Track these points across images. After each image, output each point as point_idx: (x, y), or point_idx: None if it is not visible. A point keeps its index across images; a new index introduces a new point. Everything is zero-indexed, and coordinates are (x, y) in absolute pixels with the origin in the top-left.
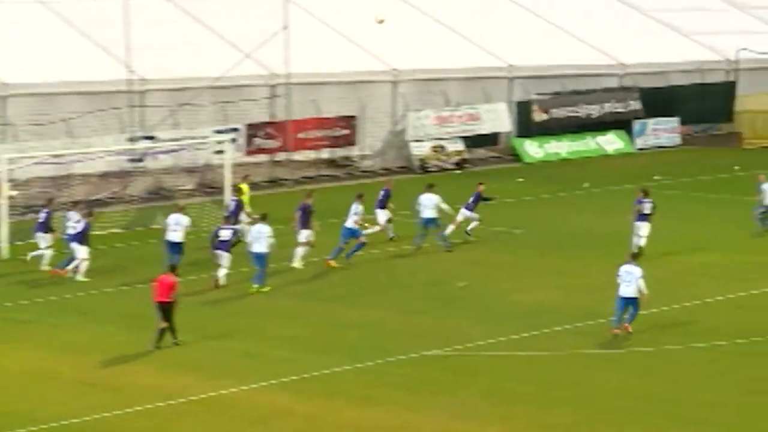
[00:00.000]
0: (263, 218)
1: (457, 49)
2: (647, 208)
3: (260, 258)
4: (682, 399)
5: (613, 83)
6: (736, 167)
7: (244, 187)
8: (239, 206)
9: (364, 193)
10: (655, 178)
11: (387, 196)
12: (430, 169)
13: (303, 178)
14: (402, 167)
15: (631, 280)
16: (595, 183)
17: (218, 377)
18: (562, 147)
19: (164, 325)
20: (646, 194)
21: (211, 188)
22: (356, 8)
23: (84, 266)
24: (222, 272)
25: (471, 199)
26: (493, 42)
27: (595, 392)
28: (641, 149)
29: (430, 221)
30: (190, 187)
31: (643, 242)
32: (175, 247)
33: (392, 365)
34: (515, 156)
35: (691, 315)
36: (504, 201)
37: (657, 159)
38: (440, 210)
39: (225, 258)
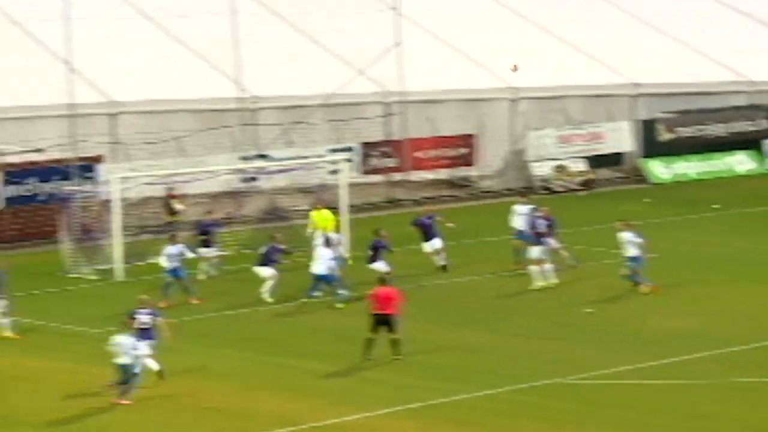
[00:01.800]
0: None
1: (579, 66)
2: None
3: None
4: None
5: (741, 101)
6: None
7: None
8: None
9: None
10: None
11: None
12: (553, 190)
13: (421, 198)
14: (523, 188)
15: None
16: (727, 204)
17: (343, 403)
18: (690, 167)
19: (373, 336)
20: None
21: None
22: (472, 23)
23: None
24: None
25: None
26: (617, 59)
27: (735, 425)
28: None
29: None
30: (305, 207)
31: None
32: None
33: (519, 393)
34: (641, 177)
35: None
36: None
37: None
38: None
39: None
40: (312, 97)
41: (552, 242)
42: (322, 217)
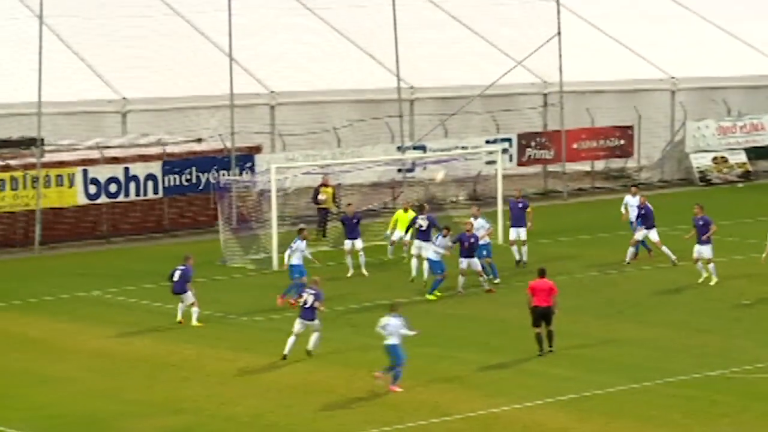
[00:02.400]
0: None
1: (739, 56)
2: None
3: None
4: None
5: None
6: None
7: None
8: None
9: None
10: None
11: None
12: (712, 182)
13: (577, 190)
14: (682, 179)
15: None
16: None
17: (496, 394)
18: None
19: (540, 330)
20: None
21: (482, 200)
22: (631, 13)
23: None
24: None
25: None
26: None
27: None
28: None
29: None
30: (461, 198)
31: None
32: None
33: (674, 386)
34: None
35: None
36: None
37: None
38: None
39: None
40: (470, 88)
41: (647, 233)
42: (407, 218)
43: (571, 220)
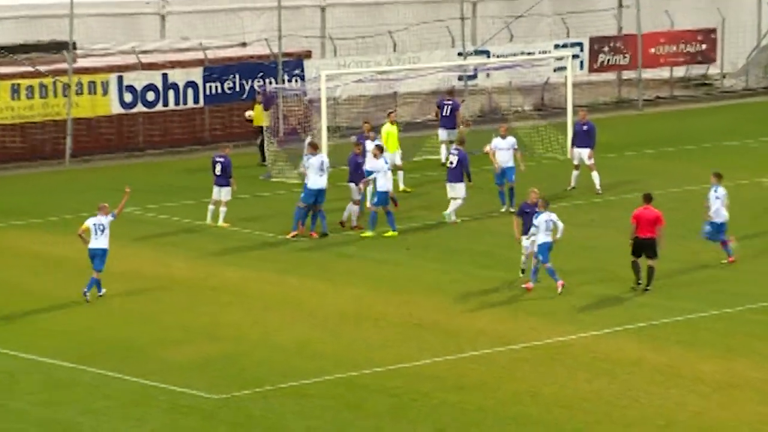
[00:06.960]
0: None
1: None
2: None
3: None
4: None
5: None
6: None
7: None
8: None
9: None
10: None
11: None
12: None
13: (655, 98)
14: (766, 87)
15: None
16: None
17: (563, 322)
18: None
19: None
20: None
21: (550, 109)
22: None
23: None
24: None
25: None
26: None
27: None
28: None
29: None
30: (526, 107)
31: None
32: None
33: (757, 312)
34: None
35: None
36: None
37: None
38: None
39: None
40: None
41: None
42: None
43: (647, 132)
